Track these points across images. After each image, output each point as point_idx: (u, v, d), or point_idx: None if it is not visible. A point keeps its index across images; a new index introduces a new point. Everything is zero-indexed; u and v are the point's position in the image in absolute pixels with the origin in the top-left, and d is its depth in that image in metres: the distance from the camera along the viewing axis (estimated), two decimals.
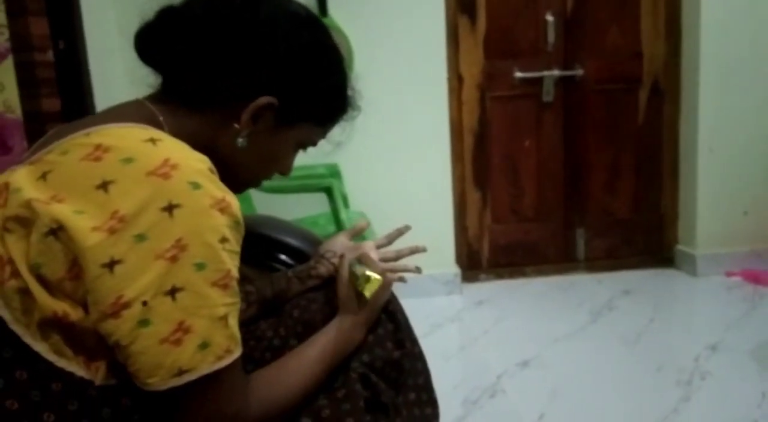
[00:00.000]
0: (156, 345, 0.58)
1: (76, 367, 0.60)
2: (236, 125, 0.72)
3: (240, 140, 0.72)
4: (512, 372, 2.00)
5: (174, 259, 0.58)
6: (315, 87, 0.76)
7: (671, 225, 2.96)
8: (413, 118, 2.65)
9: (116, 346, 0.59)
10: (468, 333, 2.40)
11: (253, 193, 2.37)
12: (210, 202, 0.61)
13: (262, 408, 0.68)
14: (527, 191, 2.91)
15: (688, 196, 2.87)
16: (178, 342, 0.59)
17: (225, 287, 0.61)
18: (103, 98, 2.09)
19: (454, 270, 2.79)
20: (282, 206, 2.49)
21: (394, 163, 2.68)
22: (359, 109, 0.85)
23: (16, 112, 1.93)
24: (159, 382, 0.59)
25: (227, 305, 0.62)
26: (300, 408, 0.74)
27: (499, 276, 2.94)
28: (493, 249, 2.94)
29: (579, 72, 2.79)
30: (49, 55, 1.92)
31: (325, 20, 2.52)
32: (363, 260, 0.89)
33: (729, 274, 2.76)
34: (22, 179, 0.61)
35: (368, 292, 0.83)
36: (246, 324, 0.87)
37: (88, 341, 0.60)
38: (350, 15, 2.55)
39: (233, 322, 0.63)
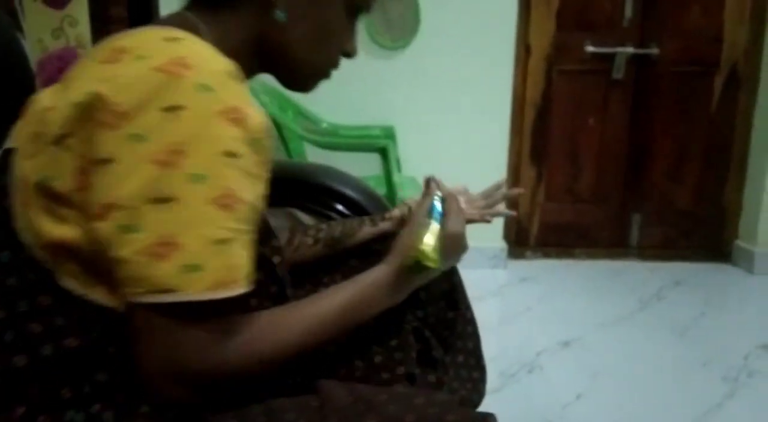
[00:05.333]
0: (138, 254, 0.52)
1: (98, 295, 0.57)
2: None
3: (279, 13, 0.65)
4: (553, 351, 1.98)
5: (168, 165, 0.52)
6: None
7: (732, 219, 2.84)
8: (475, 86, 2.59)
9: (104, 253, 0.54)
10: (510, 308, 2.38)
11: (307, 149, 2.38)
12: (219, 108, 0.54)
13: (251, 359, 0.58)
14: (585, 171, 2.83)
15: (753, 191, 2.74)
16: (162, 257, 0.52)
17: (227, 208, 0.54)
18: None
19: (500, 245, 2.75)
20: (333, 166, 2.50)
21: (450, 131, 2.63)
22: None
23: (87, 47, 1.96)
24: (140, 295, 0.53)
25: (230, 230, 0.54)
26: (352, 351, 0.72)
27: (547, 255, 2.89)
28: (543, 228, 2.88)
29: (654, 51, 2.67)
30: None
31: None
32: (446, 199, 0.79)
33: None
34: (47, 93, 0.58)
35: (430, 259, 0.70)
36: (310, 264, 0.86)
37: (102, 266, 0.55)
38: None
39: (241, 252, 0.55)
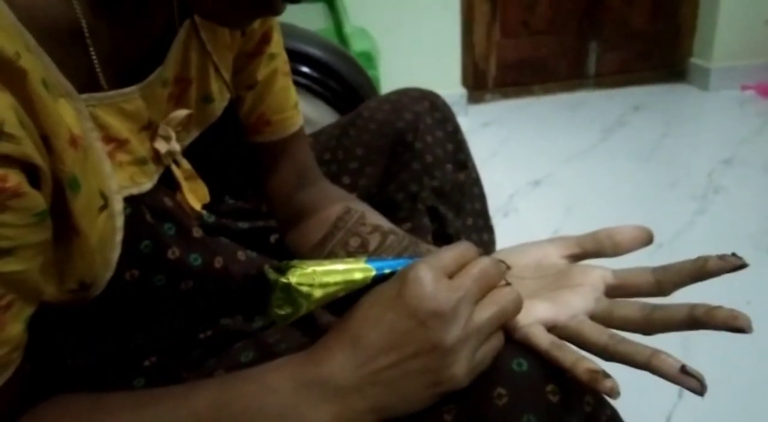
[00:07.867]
0: None
1: None
2: None
3: None
4: (524, 192, 1.98)
5: None
6: None
7: (687, 37, 2.79)
8: None
9: None
10: (476, 155, 2.28)
11: None
12: None
13: None
14: (541, 2, 2.67)
15: (709, 5, 2.66)
16: None
17: None
18: None
19: (459, 91, 2.65)
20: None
21: None
22: None
23: None
24: None
25: None
26: None
27: (506, 96, 2.81)
28: (501, 67, 2.78)
29: None
30: None
31: None
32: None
33: (744, 88, 2.66)
34: None
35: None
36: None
37: None
38: None
39: None
